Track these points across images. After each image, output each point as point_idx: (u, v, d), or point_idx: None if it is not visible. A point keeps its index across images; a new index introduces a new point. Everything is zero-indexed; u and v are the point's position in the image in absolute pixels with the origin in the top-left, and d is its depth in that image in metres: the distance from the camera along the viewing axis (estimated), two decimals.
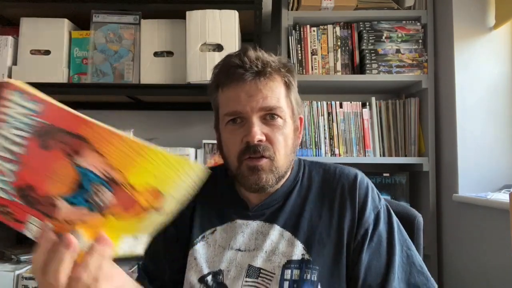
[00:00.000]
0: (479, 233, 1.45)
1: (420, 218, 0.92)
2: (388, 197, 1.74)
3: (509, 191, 1.40)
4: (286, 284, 0.73)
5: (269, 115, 0.76)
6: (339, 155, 1.73)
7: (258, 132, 0.74)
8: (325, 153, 1.74)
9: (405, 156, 1.74)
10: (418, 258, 0.78)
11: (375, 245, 0.75)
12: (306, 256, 0.75)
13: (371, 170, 1.80)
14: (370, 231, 0.76)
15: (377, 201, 0.80)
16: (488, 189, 1.52)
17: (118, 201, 0.48)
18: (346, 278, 0.75)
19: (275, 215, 0.79)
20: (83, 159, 0.45)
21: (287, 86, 0.79)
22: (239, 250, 0.78)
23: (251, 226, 0.80)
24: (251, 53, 0.77)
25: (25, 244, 1.82)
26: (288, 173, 0.83)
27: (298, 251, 0.75)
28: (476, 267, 1.45)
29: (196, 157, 1.56)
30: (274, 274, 0.74)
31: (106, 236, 0.50)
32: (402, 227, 0.81)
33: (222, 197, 0.85)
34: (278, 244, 0.77)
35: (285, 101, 0.78)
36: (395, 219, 0.80)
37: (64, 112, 0.44)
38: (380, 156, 1.74)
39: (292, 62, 1.72)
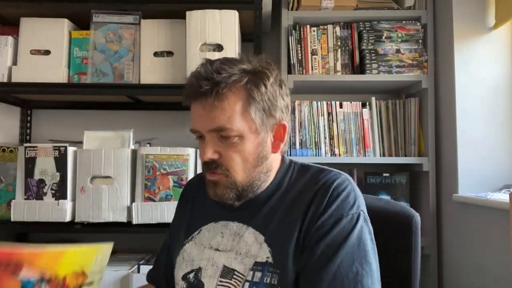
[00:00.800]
0: (479, 233, 1.45)
1: (417, 217, 0.91)
2: (388, 197, 1.74)
3: (509, 191, 1.40)
4: (246, 285, 0.74)
5: (222, 135, 0.74)
6: (339, 155, 1.73)
7: (209, 152, 0.75)
8: (325, 153, 1.74)
9: (405, 156, 1.74)
10: (371, 281, 0.70)
11: (320, 251, 0.71)
12: (270, 260, 0.74)
13: (371, 170, 1.80)
14: (323, 234, 0.71)
15: (346, 209, 0.74)
16: (488, 189, 1.52)
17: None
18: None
19: (252, 217, 0.80)
20: (24, 273, 0.62)
21: (247, 98, 0.74)
22: (217, 249, 0.80)
23: (230, 227, 0.81)
24: (207, 68, 0.73)
25: (25, 244, 1.82)
26: (271, 178, 0.81)
27: (264, 253, 0.75)
28: (476, 267, 1.45)
29: (196, 157, 1.56)
30: (245, 276, 0.75)
31: None
32: (373, 244, 0.74)
33: (209, 200, 0.84)
34: (251, 246, 0.77)
35: (241, 118, 0.74)
36: (363, 233, 0.73)
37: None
38: (380, 156, 1.74)
39: (292, 62, 1.72)
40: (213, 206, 0.85)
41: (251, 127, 0.75)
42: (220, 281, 0.76)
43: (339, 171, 0.82)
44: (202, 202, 0.89)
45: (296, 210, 0.76)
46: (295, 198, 0.79)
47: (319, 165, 0.84)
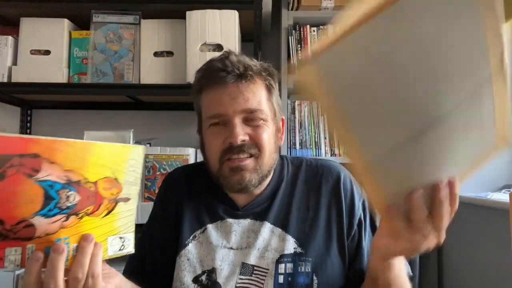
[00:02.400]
0: (479, 233, 1.45)
1: None
2: None
3: (509, 191, 1.40)
4: (281, 277, 0.75)
5: (251, 118, 0.77)
6: (339, 155, 1.73)
7: (241, 132, 0.75)
8: (325, 153, 1.74)
9: None
10: None
11: (369, 230, 0.82)
12: (299, 250, 0.77)
13: None
14: (363, 218, 0.81)
15: (359, 191, 0.84)
16: (488, 189, 1.52)
17: (84, 198, 0.53)
18: (339, 266, 0.78)
19: (264, 213, 0.81)
20: (42, 173, 0.48)
21: (269, 89, 0.81)
22: (231, 248, 0.79)
23: (242, 224, 0.81)
24: (233, 57, 0.79)
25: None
26: (271, 174, 0.85)
27: (290, 245, 0.77)
28: (476, 267, 1.45)
29: (196, 157, 1.56)
30: (268, 269, 0.76)
31: (92, 235, 0.54)
32: None
33: (210, 196, 0.85)
34: (270, 240, 0.78)
35: (267, 104, 0.80)
36: None
37: (8, 138, 0.46)
38: None
39: (292, 62, 1.73)
40: (217, 203, 0.84)
41: (272, 113, 0.81)
42: (241, 279, 0.76)
43: (323, 159, 0.91)
44: (202, 198, 0.85)
45: (313, 201, 0.82)
46: (304, 190, 0.84)
47: (303, 157, 0.95)
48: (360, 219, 0.81)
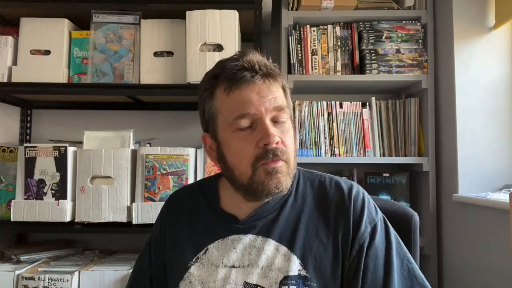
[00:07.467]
0: (479, 233, 1.45)
1: (416, 216, 0.92)
2: (388, 197, 1.74)
3: (509, 191, 1.40)
4: None
5: (278, 118, 0.74)
6: (339, 155, 1.73)
7: (276, 134, 0.72)
8: (325, 153, 1.74)
9: (405, 156, 1.74)
10: (419, 271, 0.76)
11: (372, 261, 0.73)
12: (303, 272, 0.72)
13: (371, 170, 1.80)
14: (366, 245, 0.73)
15: (373, 214, 0.77)
16: (488, 189, 1.52)
17: None
18: None
19: (269, 228, 0.76)
20: None
21: (284, 89, 0.79)
22: (233, 267, 0.75)
23: (243, 240, 0.76)
24: (253, 56, 0.75)
25: (25, 244, 1.82)
26: None
27: (295, 266, 0.73)
28: (476, 267, 1.45)
29: (196, 157, 1.56)
30: None
31: None
32: (400, 239, 0.79)
33: (208, 215, 0.82)
34: (274, 259, 0.74)
35: (287, 104, 0.78)
36: (393, 231, 0.78)
37: None
38: (380, 156, 1.74)
39: (292, 62, 1.73)
40: (217, 221, 0.80)
41: (291, 115, 0.79)
42: None
43: (339, 177, 0.84)
44: (201, 218, 0.82)
45: (323, 221, 0.76)
46: (314, 208, 0.78)
47: (318, 172, 0.86)
48: (361, 246, 0.73)
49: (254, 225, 0.77)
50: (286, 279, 0.72)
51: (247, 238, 0.76)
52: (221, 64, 0.77)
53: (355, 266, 0.73)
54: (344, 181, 0.81)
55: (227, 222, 0.79)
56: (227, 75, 0.74)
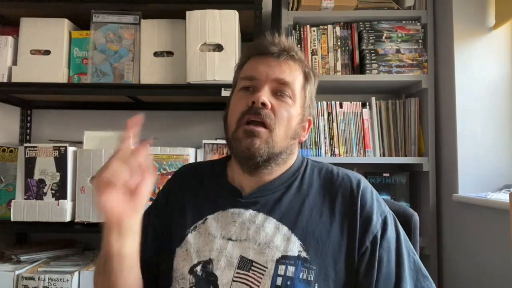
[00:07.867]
0: (479, 233, 1.45)
1: (416, 216, 0.92)
2: (388, 197, 1.74)
3: (509, 191, 1.40)
4: (279, 279, 0.71)
5: (280, 91, 0.78)
6: (339, 155, 1.73)
7: (266, 96, 0.76)
8: (325, 153, 1.74)
9: (405, 156, 1.74)
10: (421, 263, 0.78)
11: (385, 252, 0.74)
12: (303, 254, 0.73)
13: (371, 170, 1.80)
14: (379, 236, 0.75)
15: (383, 206, 0.79)
16: (488, 189, 1.52)
17: None
18: (343, 282, 0.73)
19: (271, 207, 0.78)
20: None
21: (306, 77, 0.83)
22: (230, 239, 0.76)
23: (243, 215, 0.78)
24: (283, 38, 0.82)
25: (25, 244, 1.82)
26: (289, 163, 0.83)
27: (295, 247, 0.73)
28: (476, 267, 1.45)
29: (196, 157, 1.56)
30: (267, 268, 0.72)
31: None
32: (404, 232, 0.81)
33: (214, 187, 0.84)
34: (273, 237, 0.74)
35: (300, 88, 0.81)
36: (399, 225, 0.80)
37: None
38: (380, 156, 1.74)
39: None
40: (221, 194, 0.82)
41: (302, 101, 0.81)
42: (238, 273, 0.72)
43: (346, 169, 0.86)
44: (207, 189, 0.84)
45: (328, 207, 0.78)
46: (320, 193, 0.80)
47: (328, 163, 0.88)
48: (375, 237, 0.74)
49: (256, 201, 0.79)
50: (284, 258, 0.73)
51: (247, 213, 0.78)
52: (257, 40, 0.87)
53: (368, 256, 0.74)
54: (352, 173, 0.83)
55: (231, 195, 0.81)
56: (255, 45, 0.84)
